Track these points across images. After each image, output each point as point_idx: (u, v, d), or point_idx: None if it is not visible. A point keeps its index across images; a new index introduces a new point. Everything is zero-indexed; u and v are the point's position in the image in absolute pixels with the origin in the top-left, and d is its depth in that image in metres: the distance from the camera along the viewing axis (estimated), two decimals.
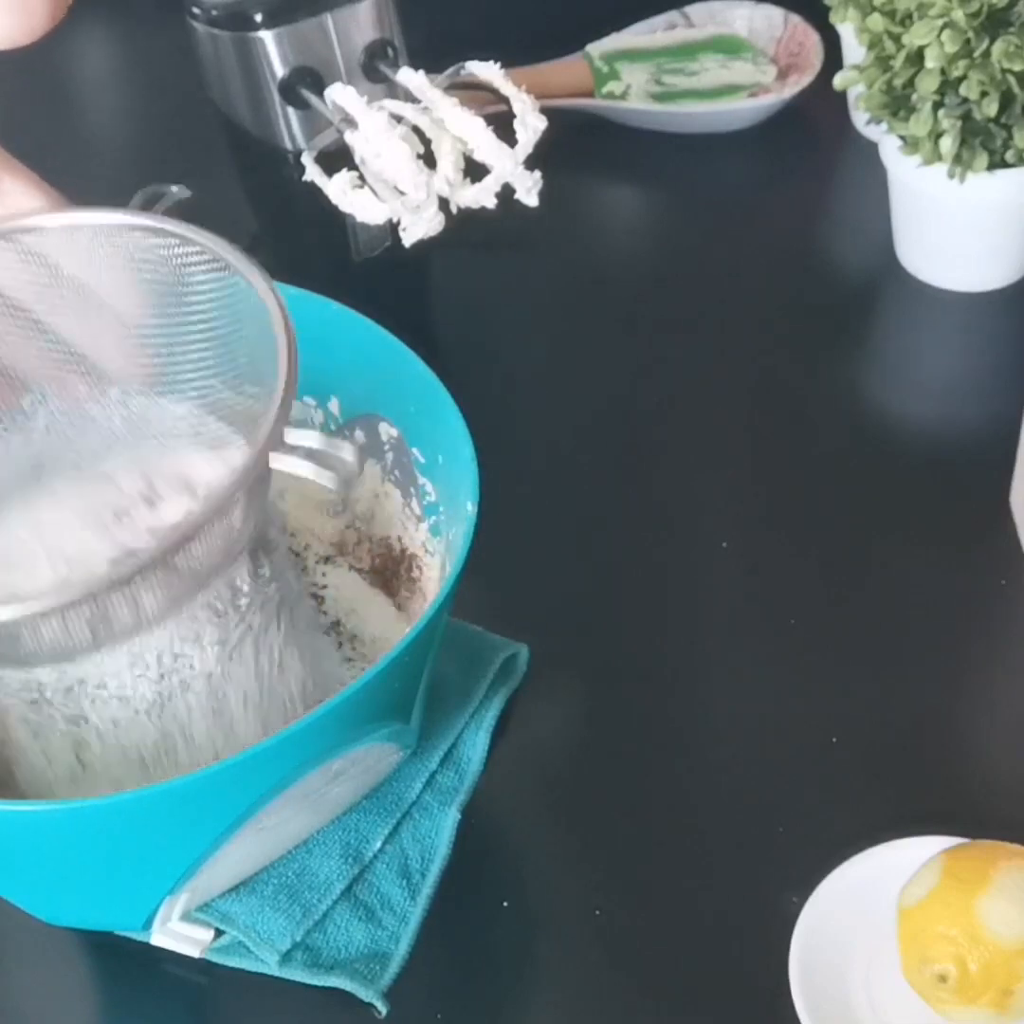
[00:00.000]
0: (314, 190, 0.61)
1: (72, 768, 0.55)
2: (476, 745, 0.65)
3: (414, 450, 0.64)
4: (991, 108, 0.78)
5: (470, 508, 0.56)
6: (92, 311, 0.50)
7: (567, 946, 0.60)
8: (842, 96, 0.98)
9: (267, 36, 0.77)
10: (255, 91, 0.79)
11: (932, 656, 0.70)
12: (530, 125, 0.61)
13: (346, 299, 0.63)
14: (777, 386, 0.84)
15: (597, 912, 0.61)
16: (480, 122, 0.61)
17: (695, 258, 0.94)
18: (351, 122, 0.62)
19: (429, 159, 0.61)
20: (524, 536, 0.74)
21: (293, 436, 0.46)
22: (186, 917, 0.59)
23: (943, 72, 0.79)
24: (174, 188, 0.53)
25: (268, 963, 0.59)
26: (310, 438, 0.46)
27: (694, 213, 0.98)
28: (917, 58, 0.80)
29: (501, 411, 0.80)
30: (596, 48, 1.06)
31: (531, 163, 0.61)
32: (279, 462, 0.46)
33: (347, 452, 0.46)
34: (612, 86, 1.03)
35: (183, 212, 0.51)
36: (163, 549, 0.44)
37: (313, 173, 0.61)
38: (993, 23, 0.78)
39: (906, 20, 0.81)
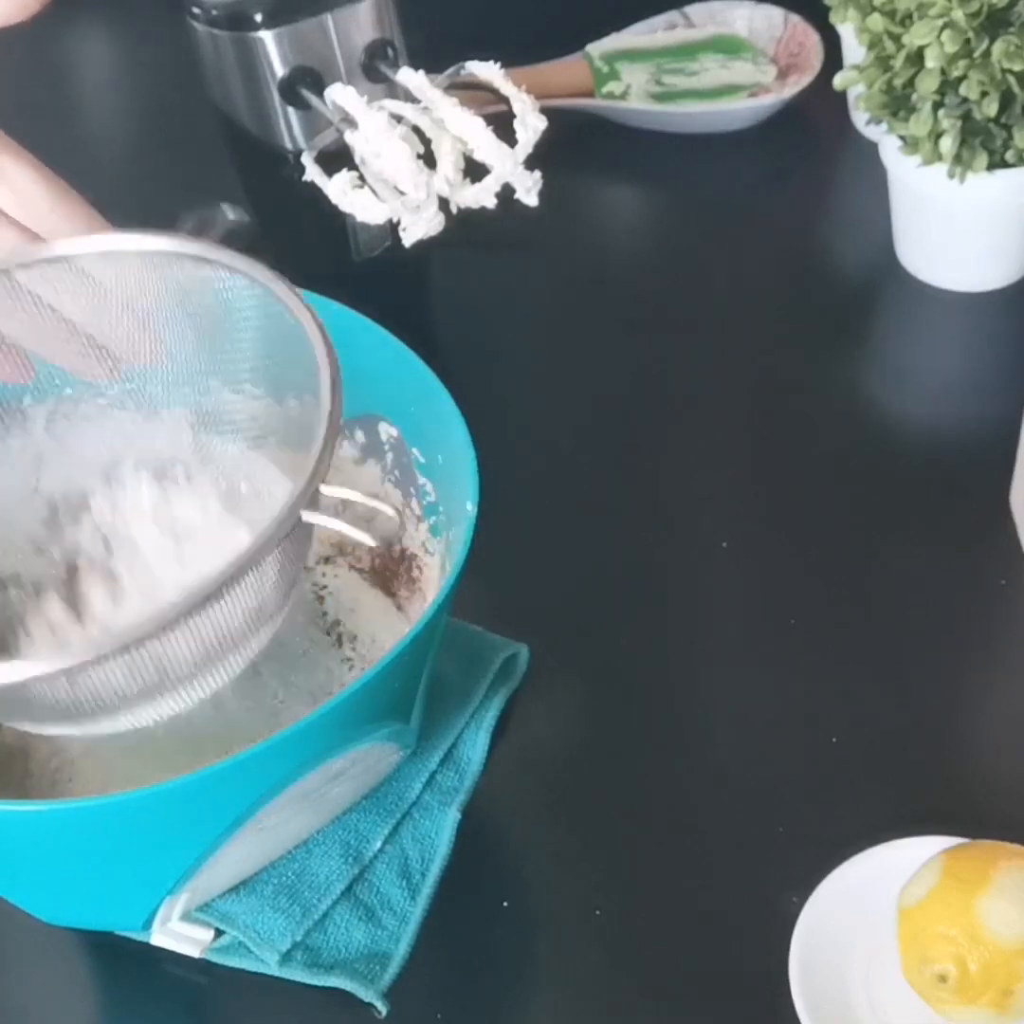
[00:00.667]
0: (314, 190, 0.61)
1: None
2: (476, 745, 0.65)
3: (414, 450, 0.64)
4: (991, 108, 0.78)
5: (470, 508, 0.56)
6: (138, 331, 0.50)
7: (567, 946, 0.60)
8: (842, 96, 0.98)
9: (267, 36, 0.76)
10: (255, 91, 0.79)
11: (932, 656, 0.70)
12: (530, 125, 0.61)
13: (346, 299, 0.63)
14: (777, 386, 0.84)
15: (597, 912, 0.61)
16: (480, 122, 0.61)
17: (695, 258, 0.94)
18: (351, 122, 0.62)
19: (429, 159, 0.61)
20: (524, 536, 0.74)
21: (330, 491, 0.45)
22: (186, 917, 0.59)
23: (943, 72, 0.79)
24: (231, 215, 0.52)
25: (268, 963, 0.59)
26: (349, 493, 0.45)
27: (694, 213, 0.98)
28: (917, 58, 0.80)
29: (501, 411, 0.80)
30: (596, 48, 1.06)
31: (531, 163, 0.61)
32: (314, 517, 0.44)
33: (388, 510, 0.45)
34: (612, 86, 1.03)
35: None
36: (177, 612, 0.42)
37: (313, 173, 0.61)
38: (993, 23, 0.78)
39: (906, 20, 0.81)
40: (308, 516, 0.44)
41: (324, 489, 0.45)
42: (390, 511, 0.45)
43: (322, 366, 0.46)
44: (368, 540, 0.45)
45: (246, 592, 0.44)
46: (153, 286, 0.49)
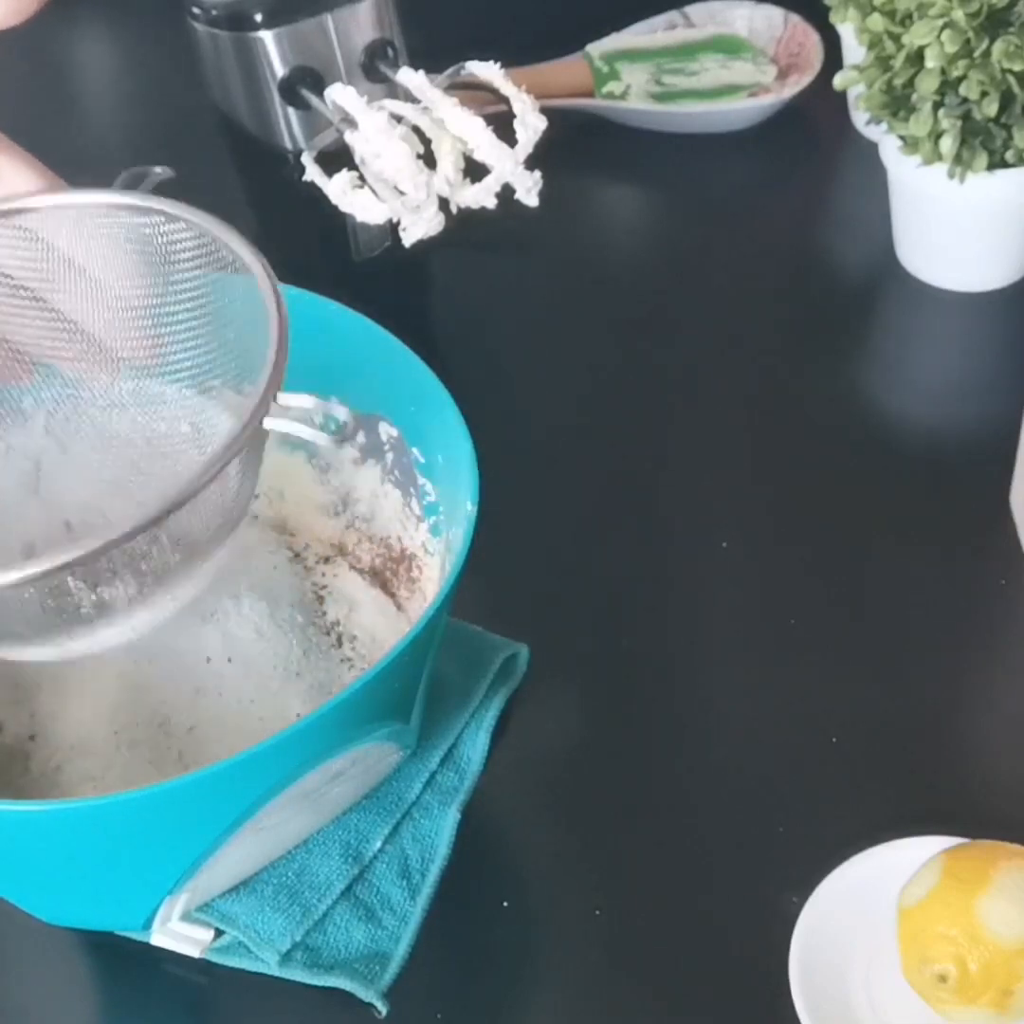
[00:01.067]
0: (314, 190, 0.61)
1: None
2: (476, 745, 0.65)
3: (414, 450, 0.64)
4: (991, 108, 0.78)
5: (470, 508, 0.56)
6: (87, 290, 0.50)
7: (567, 946, 0.60)
8: (842, 96, 0.98)
9: (267, 36, 0.77)
10: (255, 91, 0.79)
11: (932, 656, 0.70)
12: (530, 125, 0.61)
13: (346, 299, 0.63)
14: (777, 386, 0.84)
15: (597, 912, 0.61)
16: (480, 122, 0.61)
17: (695, 258, 0.94)
18: (351, 122, 0.62)
19: (429, 159, 0.61)
20: (524, 536, 0.74)
21: (286, 398, 0.46)
22: (186, 917, 0.59)
23: (943, 72, 0.79)
24: (158, 169, 0.53)
25: (268, 963, 0.59)
26: (302, 400, 0.46)
27: (694, 213, 0.98)
28: (917, 58, 0.80)
29: (501, 411, 0.80)
30: (596, 48, 1.06)
31: (531, 163, 0.61)
32: (273, 422, 0.46)
33: (340, 412, 0.46)
34: (612, 86, 1.03)
35: (168, 192, 0.51)
36: (153, 516, 0.43)
37: (313, 173, 0.61)
38: (993, 23, 0.78)
39: (906, 20, 0.81)
40: (269, 421, 0.45)
41: (280, 396, 0.46)
42: (342, 415, 0.46)
43: (264, 284, 0.47)
44: (323, 441, 0.46)
45: (213, 495, 0.45)
46: (96, 240, 0.49)
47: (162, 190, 0.52)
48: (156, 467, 0.54)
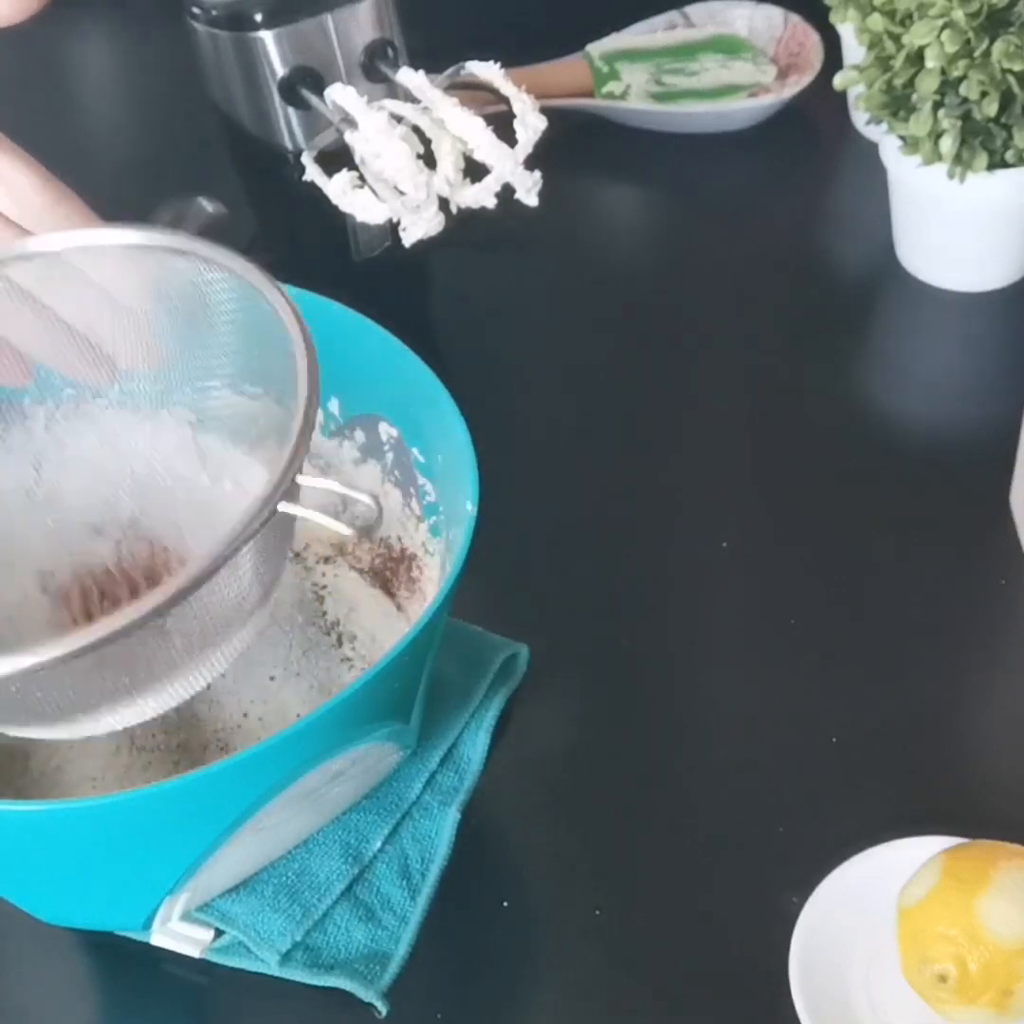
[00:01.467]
0: (314, 190, 0.61)
1: None
2: (476, 745, 0.65)
3: (414, 450, 0.64)
4: (991, 108, 0.78)
5: (470, 508, 0.56)
6: (125, 327, 0.50)
7: (567, 946, 0.60)
8: (842, 96, 0.98)
9: (267, 36, 0.77)
10: (255, 91, 0.79)
11: (932, 656, 0.70)
12: (530, 125, 0.61)
13: (346, 299, 0.63)
14: (777, 385, 0.84)
15: (597, 912, 0.61)
16: (480, 122, 0.61)
17: (695, 258, 0.94)
18: (351, 122, 0.62)
19: (429, 159, 0.61)
20: (524, 536, 0.74)
21: (310, 481, 0.44)
22: (186, 917, 0.59)
23: (943, 72, 0.79)
24: (209, 206, 0.51)
25: (268, 963, 0.59)
26: (325, 483, 0.45)
27: (694, 213, 0.98)
28: (917, 58, 0.80)
29: (501, 411, 0.80)
30: (596, 48, 1.06)
31: (531, 163, 0.61)
32: (292, 508, 0.44)
33: (367, 499, 0.45)
34: (612, 86, 1.03)
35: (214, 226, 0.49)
36: (157, 606, 0.41)
37: (313, 173, 0.61)
38: (993, 23, 0.78)
39: (906, 20, 0.81)
40: (284, 507, 0.43)
41: (301, 480, 0.44)
42: (367, 499, 0.45)
43: (298, 356, 0.46)
44: (344, 529, 0.45)
45: (223, 586, 0.43)
46: (131, 279, 0.49)
47: (217, 228, 0.49)
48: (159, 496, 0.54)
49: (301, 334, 0.46)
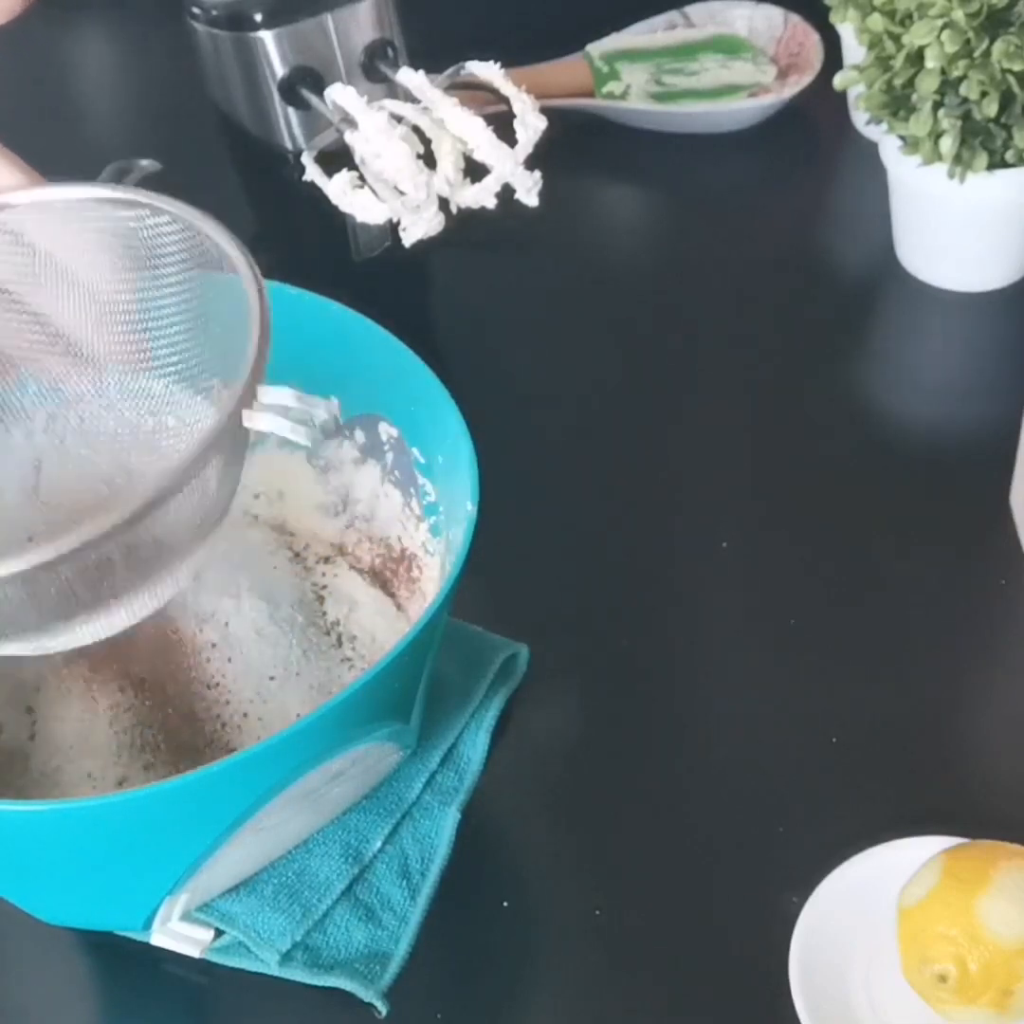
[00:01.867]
0: (314, 190, 0.61)
1: None
2: (476, 745, 0.65)
3: (414, 450, 0.64)
4: (991, 108, 0.78)
5: (470, 508, 0.56)
6: (69, 289, 0.50)
7: (567, 946, 0.60)
8: (842, 96, 0.98)
9: (267, 36, 0.77)
10: (255, 91, 0.79)
11: (932, 656, 0.70)
12: (530, 125, 0.61)
13: (346, 299, 0.63)
14: (777, 386, 0.84)
15: (597, 912, 0.61)
16: (480, 122, 0.61)
17: (695, 258, 0.94)
18: (351, 122, 0.62)
19: (429, 159, 0.61)
20: (524, 536, 0.73)
21: (266, 394, 0.45)
22: (186, 917, 0.59)
23: (943, 72, 0.79)
24: (144, 162, 0.53)
25: (268, 963, 0.59)
26: (284, 396, 0.45)
27: (694, 213, 0.98)
28: (917, 58, 0.80)
29: (501, 411, 0.80)
30: (596, 48, 1.06)
31: (531, 163, 0.61)
32: (252, 420, 0.45)
33: (321, 409, 0.46)
34: (612, 86, 1.03)
35: (164, 188, 0.50)
36: (128, 516, 0.43)
37: (313, 173, 0.61)
38: (993, 23, 0.78)
39: (906, 20, 0.81)
40: (247, 417, 0.45)
41: (260, 390, 0.45)
42: (322, 413, 0.45)
43: (247, 278, 0.47)
44: (302, 438, 0.45)
45: (193, 494, 0.45)
46: (79, 236, 0.49)
47: (152, 185, 0.51)
48: (146, 462, 0.54)
49: (246, 263, 0.47)
